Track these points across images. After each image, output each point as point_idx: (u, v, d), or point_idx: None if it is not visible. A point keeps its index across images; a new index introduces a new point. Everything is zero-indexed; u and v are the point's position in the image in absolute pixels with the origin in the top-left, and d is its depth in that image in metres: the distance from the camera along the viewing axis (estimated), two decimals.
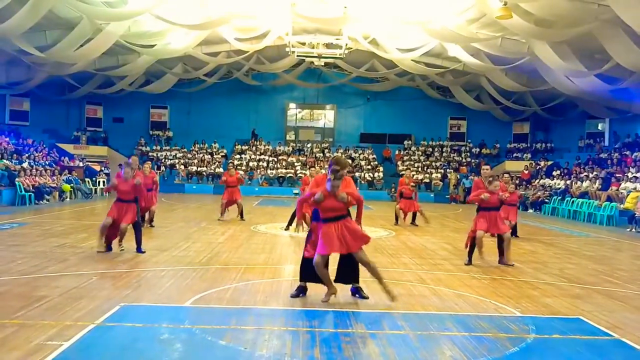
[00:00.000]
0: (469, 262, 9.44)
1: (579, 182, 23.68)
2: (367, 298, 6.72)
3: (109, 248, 9.66)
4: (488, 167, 10.63)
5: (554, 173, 27.18)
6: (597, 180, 22.65)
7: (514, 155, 33.31)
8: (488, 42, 21.52)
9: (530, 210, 24.73)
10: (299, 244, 11.54)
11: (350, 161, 32.71)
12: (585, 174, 24.16)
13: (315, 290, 6.80)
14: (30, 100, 30.76)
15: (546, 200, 24.37)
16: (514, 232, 13.43)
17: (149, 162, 14.76)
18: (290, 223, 13.87)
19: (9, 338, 4.89)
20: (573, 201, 22.04)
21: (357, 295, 6.78)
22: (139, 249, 9.56)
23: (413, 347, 5.06)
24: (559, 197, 23.47)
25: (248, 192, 26.50)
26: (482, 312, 6.42)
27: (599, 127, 30.65)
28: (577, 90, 23.02)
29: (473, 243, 9.51)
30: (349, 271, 6.76)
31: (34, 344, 4.74)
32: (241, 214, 15.95)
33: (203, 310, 6.20)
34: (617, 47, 16.95)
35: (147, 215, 13.46)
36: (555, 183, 25.72)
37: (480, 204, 9.49)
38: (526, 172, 29.57)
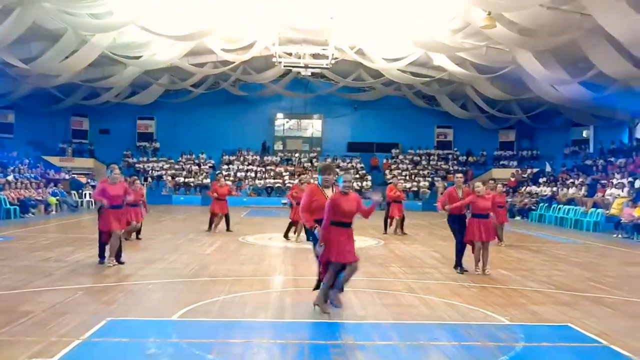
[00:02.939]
0: (460, 268, 9.43)
1: (565, 189, 23.87)
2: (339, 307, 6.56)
3: (103, 257, 9.56)
4: (461, 175, 10.56)
5: (540, 180, 27.38)
6: (583, 187, 22.85)
7: (501, 162, 33.54)
8: (473, 52, 21.71)
9: (517, 218, 24.86)
10: (287, 254, 11.51)
11: (338, 170, 32.73)
12: (571, 180, 24.36)
13: (305, 300, 6.75)
14: (14, 113, 30.42)
15: (533, 207, 24.53)
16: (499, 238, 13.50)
17: (136, 177, 14.52)
18: (287, 232, 13.99)
19: None
20: (560, 208, 22.20)
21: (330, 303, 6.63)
22: (118, 260, 9.50)
23: (402, 358, 5.04)
24: (546, 204, 23.64)
25: (236, 202, 26.38)
26: (471, 320, 6.41)
27: (584, 134, 30.98)
28: (562, 98, 23.28)
29: (461, 248, 9.51)
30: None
31: None
32: (227, 225, 15.85)
33: (191, 323, 6.13)
34: (600, 55, 17.18)
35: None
36: (541, 190, 25.90)
37: (473, 211, 9.47)
38: (513, 179, 29.76)
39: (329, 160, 33.90)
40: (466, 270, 9.44)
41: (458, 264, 9.59)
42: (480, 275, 9.26)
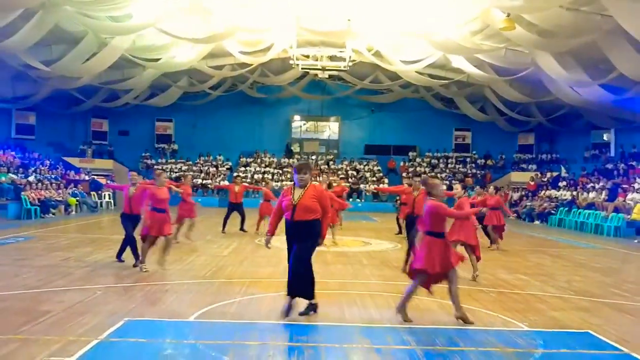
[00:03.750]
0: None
1: (585, 193, 23.56)
2: (311, 313, 6.43)
3: (120, 259, 9.75)
4: (418, 178, 10.88)
5: (560, 184, 27.06)
6: (604, 191, 22.52)
7: (520, 166, 33.20)
8: (492, 53, 21.54)
9: (537, 222, 24.59)
10: None
11: (355, 173, 32.71)
12: (592, 184, 24.04)
13: (320, 302, 6.73)
14: (36, 114, 30.89)
15: (552, 212, 24.24)
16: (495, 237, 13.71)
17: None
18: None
19: (12, 354, 4.86)
20: (580, 212, 21.91)
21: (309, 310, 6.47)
22: (119, 258, 9.78)
23: None
24: (566, 209, 23.34)
25: (253, 204, 26.47)
26: (489, 326, 6.34)
27: (604, 138, 30.53)
28: (582, 101, 22.99)
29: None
30: (302, 285, 6.38)
31: None
32: (242, 224, 15.95)
33: (207, 325, 6.15)
34: (620, 57, 16.93)
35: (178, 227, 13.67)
36: (561, 194, 25.59)
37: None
38: (532, 183, 29.44)
39: (345, 162, 33.91)
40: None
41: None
42: (499, 280, 9.17)
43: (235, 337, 5.62)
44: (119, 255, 9.89)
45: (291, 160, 34.56)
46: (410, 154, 34.96)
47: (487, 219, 13.67)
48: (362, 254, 12.11)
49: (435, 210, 6.29)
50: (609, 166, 26.35)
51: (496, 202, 14.03)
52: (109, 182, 24.91)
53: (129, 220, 9.67)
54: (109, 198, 27.46)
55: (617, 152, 28.25)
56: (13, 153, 25.30)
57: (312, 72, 28.00)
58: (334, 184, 17.99)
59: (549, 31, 17.48)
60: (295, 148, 35.95)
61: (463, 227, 9.02)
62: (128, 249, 9.60)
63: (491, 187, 15.34)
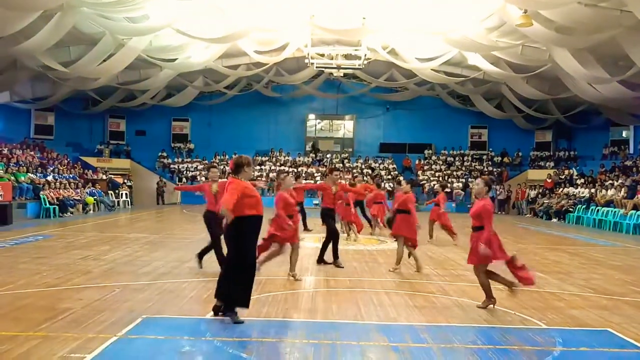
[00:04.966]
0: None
1: (604, 191, 23.27)
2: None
3: (201, 260, 9.22)
4: (337, 172, 11.04)
5: (578, 182, 26.75)
6: (623, 189, 22.22)
7: (537, 163, 32.88)
8: (508, 50, 21.36)
9: (554, 220, 24.35)
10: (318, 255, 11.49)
11: (370, 171, 32.66)
12: (610, 182, 23.74)
13: (337, 300, 6.75)
14: (54, 115, 31.33)
15: (570, 209, 23.98)
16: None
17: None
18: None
19: (32, 350, 4.93)
20: (598, 210, 21.65)
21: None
22: (201, 258, 9.30)
23: None
24: (584, 206, 23.08)
25: (268, 202, 26.53)
26: (506, 324, 6.31)
27: (624, 135, 30.15)
28: (601, 98, 22.69)
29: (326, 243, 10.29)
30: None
31: (57, 357, 4.78)
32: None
33: (224, 322, 6.17)
34: None
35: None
36: (579, 191, 25.30)
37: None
38: (549, 180, 29.15)
39: (360, 161, 33.83)
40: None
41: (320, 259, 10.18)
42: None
43: (252, 334, 5.65)
44: (201, 255, 9.28)
45: (307, 159, 34.58)
46: (426, 151, 34.81)
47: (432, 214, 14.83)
48: (377, 252, 12.10)
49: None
50: (628, 163, 25.99)
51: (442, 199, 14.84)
52: (179, 184, 24.73)
53: (215, 219, 8.73)
54: (126, 197, 27.72)
55: (637, 149, 27.88)
56: (32, 153, 25.65)
57: (327, 70, 28.03)
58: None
59: (567, 27, 17.29)
60: (310, 146, 35.97)
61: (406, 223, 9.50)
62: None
63: (437, 184, 15.94)
